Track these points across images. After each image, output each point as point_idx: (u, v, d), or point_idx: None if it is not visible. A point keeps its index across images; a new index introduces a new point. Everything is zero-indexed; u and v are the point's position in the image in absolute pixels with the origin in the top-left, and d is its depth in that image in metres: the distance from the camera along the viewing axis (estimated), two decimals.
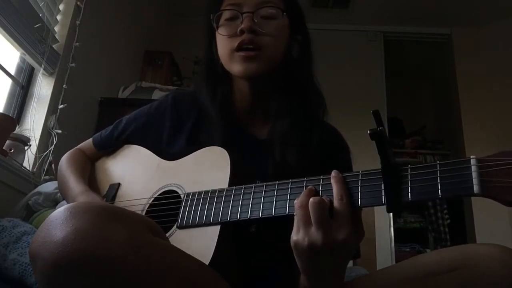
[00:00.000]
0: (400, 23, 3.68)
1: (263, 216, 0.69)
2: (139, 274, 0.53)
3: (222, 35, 0.91)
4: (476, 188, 0.56)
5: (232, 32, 0.90)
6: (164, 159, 0.92)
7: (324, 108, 0.98)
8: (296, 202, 0.65)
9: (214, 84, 0.96)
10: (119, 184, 0.96)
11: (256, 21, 0.88)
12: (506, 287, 0.60)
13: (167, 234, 0.77)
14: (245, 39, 0.87)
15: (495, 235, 3.04)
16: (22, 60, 1.87)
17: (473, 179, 0.56)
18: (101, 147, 1.06)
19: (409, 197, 0.60)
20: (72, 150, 1.07)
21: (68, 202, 0.95)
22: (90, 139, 1.08)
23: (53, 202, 1.50)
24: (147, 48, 3.04)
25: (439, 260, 0.69)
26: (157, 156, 0.94)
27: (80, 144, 1.10)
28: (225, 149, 0.80)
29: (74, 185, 0.94)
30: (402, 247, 3.35)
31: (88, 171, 1.04)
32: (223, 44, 0.92)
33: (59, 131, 1.87)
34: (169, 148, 0.94)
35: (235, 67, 0.89)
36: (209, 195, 0.76)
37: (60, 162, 1.04)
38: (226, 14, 0.92)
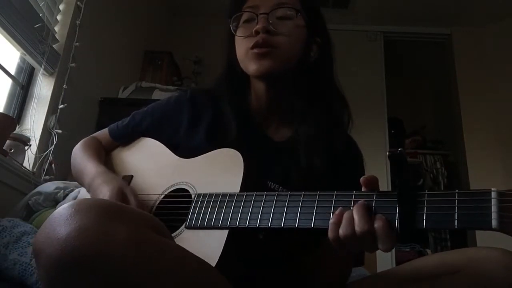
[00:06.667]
0: (400, 23, 3.67)
1: (272, 226, 0.69)
2: (140, 271, 0.54)
3: (239, 36, 0.93)
4: (494, 222, 0.53)
5: (248, 33, 0.91)
6: (180, 153, 0.93)
7: (350, 117, 0.97)
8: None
9: (234, 85, 0.98)
10: (131, 176, 0.96)
11: (271, 21, 0.90)
12: None
13: (175, 233, 0.77)
14: (259, 40, 0.88)
15: (495, 235, 3.02)
16: (22, 60, 1.87)
17: (492, 213, 0.53)
18: (117, 137, 1.06)
19: (424, 224, 0.57)
20: (87, 138, 1.07)
21: (85, 186, 0.95)
22: (106, 129, 1.09)
23: (53, 202, 1.50)
24: (147, 48, 3.04)
25: (440, 263, 0.69)
26: (172, 152, 0.94)
27: (95, 133, 1.10)
28: (240, 150, 0.81)
29: (91, 167, 0.94)
30: (402, 247, 3.33)
31: (104, 157, 1.04)
32: (240, 45, 0.93)
33: (59, 131, 1.87)
34: (187, 143, 0.94)
35: (250, 66, 0.90)
36: (219, 198, 0.76)
37: (74, 149, 1.04)
38: (244, 17, 0.94)
